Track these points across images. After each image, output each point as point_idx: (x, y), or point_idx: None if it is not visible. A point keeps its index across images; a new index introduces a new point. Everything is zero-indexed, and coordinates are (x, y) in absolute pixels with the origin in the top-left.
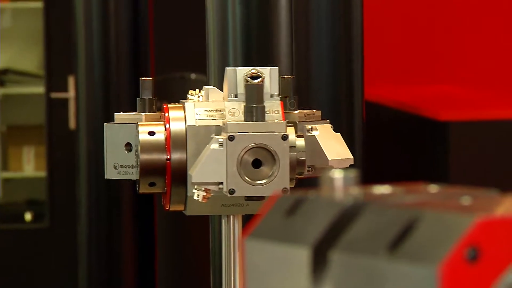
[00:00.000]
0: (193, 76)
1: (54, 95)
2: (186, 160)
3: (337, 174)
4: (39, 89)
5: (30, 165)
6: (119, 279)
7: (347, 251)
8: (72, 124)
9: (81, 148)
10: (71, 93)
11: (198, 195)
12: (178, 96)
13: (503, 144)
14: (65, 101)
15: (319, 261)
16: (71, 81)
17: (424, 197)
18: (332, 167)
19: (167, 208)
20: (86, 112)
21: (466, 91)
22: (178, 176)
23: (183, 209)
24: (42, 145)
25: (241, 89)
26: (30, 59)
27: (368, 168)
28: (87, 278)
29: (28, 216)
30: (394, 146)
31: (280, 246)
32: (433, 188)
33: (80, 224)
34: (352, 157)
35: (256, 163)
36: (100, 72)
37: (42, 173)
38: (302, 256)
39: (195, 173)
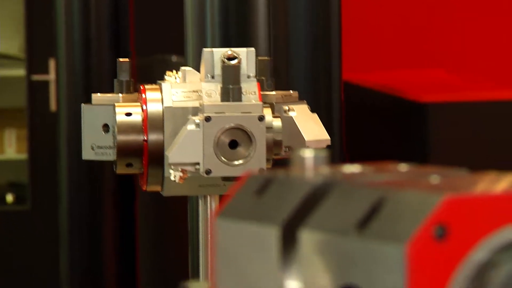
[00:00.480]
0: (174, 58)
1: (35, 77)
2: (163, 141)
3: (308, 154)
4: (20, 71)
5: (11, 147)
6: (101, 259)
7: (316, 230)
8: (53, 106)
9: (62, 130)
10: (52, 76)
11: (174, 175)
12: (160, 78)
13: (482, 126)
14: (46, 84)
15: (288, 240)
16: (52, 63)
17: (393, 176)
18: (309, 148)
19: (144, 189)
20: (67, 94)
21: (446, 74)
22: (155, 157)
23: (160, 190)
24: (24, 128)
25: (218, 70)
26: (11, 41)
27: (349, 149)
28: (68, 259)
29: (9, 198)
30: (375, 128)
31: (250, 225)
32: (403, 167)
33: (61, 205)
34: (329, 138)
35: (233, 144)
36: (81, 54)
37: (24, 156)
38: (271, 235)
39: (172, 154)
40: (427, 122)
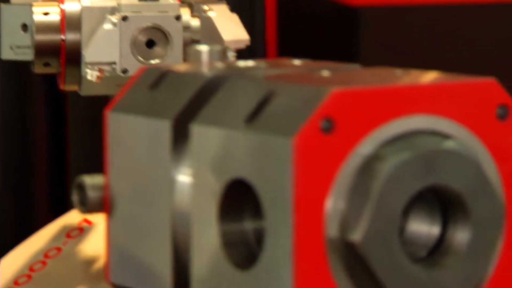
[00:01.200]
0: None
1: None
2: (80, 41)
3: (203, 48)
4: None
5: None
6: (32, 160)
7: (206, 124)
8: None
9: None
10: None
11: (91, 75)
12: None
13: (413, 30)
14: None
15: (179, 134)
16: None
17: (286, 70)
18: (228, 48)
19: (62, 88)
20: None
21: None
22: (72, 56)
23: (78, 89)
24: None
25: None
26: None
27: (281, 53)
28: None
29: None
30: (307, 32)
31: (143, 119)
32: (297, 62)
33: None
34: (248, 37)
35: (150, 43)
36: None
37: None
38: (163, 128)
39: (88, 53)
40: (360, 26)
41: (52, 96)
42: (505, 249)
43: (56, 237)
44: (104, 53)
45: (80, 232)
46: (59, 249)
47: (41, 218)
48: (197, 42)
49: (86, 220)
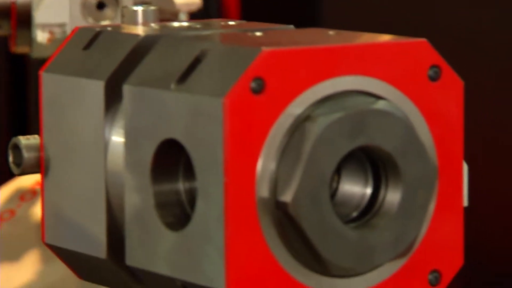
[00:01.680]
0: None
1: None
2: (31, 2)
3: (137, 8)
4: None
5: None
6: None
7: (139, 84)
8: None
9: None
10: None
11: (42, 37)
12: None
13: None
14: None
15: (112, 94)
16: None
17: (219, 31)
18: (179, 11)
19: (13, 51)
20: None
21: None
22: (23, 18)
23: (29, 51)
24: None
25: None
26: None
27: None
28: None
29: None
30: None
31: (76, 79)
32: (232, 23)
33: None
34: (200, 1)
35: (100, 5)
36: None
37: None
38: (96, 89)
39: (39, 15)
40: None
41: (12, 59)
42: (437, 210)
43: (10, 200)
44: (55, 15)
45: (33, 195)
46: (12, 211)
47: None
48: (148, 3)
49: (39, 183)
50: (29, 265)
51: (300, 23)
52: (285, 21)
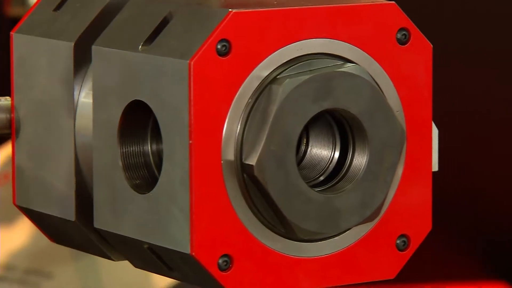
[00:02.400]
0: None
1: None
2: None
3: None
4: None
5: None
6: None
7: (107, 45)
8: None
9: None
10: None
11: None
12: None
13: None
14: None
15: (82, 55)
16: None
17: None
18: None
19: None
20: None
21: None
22: None
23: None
24: None
25: None
26: None
27: None
28: None
29: None
30: None
31: (45, 40)
32: None
33: None
34: None
35: None
36: None
37: None
38: (65, 50)
39: None
40: None
41: None
42: (405, 174)
43: (4, 165)
44: None
45: None
46: (7, 176)
47: None
48: None
49: None
50: (25, 229)
51: None
52: None
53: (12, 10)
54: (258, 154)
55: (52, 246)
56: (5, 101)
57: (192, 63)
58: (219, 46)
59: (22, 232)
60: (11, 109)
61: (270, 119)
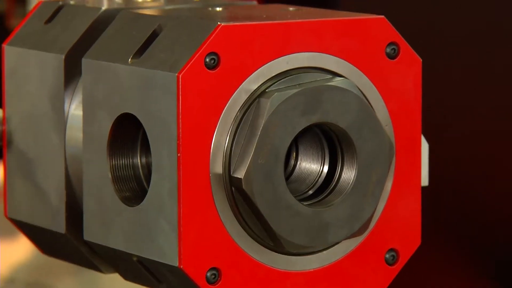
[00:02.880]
0: None
1: None
2: None
3: None
4: None
5: None
6: None
7: (96, 58)
8: None
9: None
10: None
11: None
12: None
13: None
14: None
15: (72, 68)
16: None
17: (182, 6)
18: None
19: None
20: None
21: None
22: None
23: None
24: None
25: None
26: None
27: None
28: None
29: None
30: None
31: (37, 52)
32: None
33: None
34: None
35: None
36: None
37: None
38: (56, 63)
39: None
40: None
41: None
42: (394, 188)
43: None
44: None
45: None
46: None
47: None
48: None
49: None
50: (26, 243)
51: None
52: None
53: (15, 23)
54: (246, 167)
55: (53, 260)
56: None
57: (180, 76)
58: (207, 59)
59: (24, 245)
60: (3, 121)
61: (258, 132)
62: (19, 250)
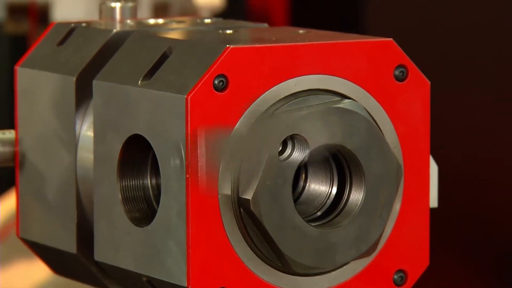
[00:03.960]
0: None
1: None
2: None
3: (115, 4)
4: None
5: None
6: None
7: (108, 80)
8: None
9: None
10: None
11: None
12: None
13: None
14: None
15: (84, 90)
16: None
17: (191, 28)
18: (200, 11)
19: None
20: None
21: None
22: (43, 16)
23: None
24: None
25: None
26: None
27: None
28: None
29: None
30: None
31: (49, 74)
32: (208, 21)
33: None
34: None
35: None
36: None
37: None
38: (68, 84)
39: (57, 12)
40: None
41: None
42: (402, 210)
43: None
44: (73, 12)
45: None
46: None
47: None
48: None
49: None
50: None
51: (344, 26)
52: (331, 23)
53: None
54: (254, 189)
55: (71, 280)
56: (9, 134)
57: (189, 98)
58: (216, 82)
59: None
60: (15, 142)
61: (267, 153)
62: (41, 270)
